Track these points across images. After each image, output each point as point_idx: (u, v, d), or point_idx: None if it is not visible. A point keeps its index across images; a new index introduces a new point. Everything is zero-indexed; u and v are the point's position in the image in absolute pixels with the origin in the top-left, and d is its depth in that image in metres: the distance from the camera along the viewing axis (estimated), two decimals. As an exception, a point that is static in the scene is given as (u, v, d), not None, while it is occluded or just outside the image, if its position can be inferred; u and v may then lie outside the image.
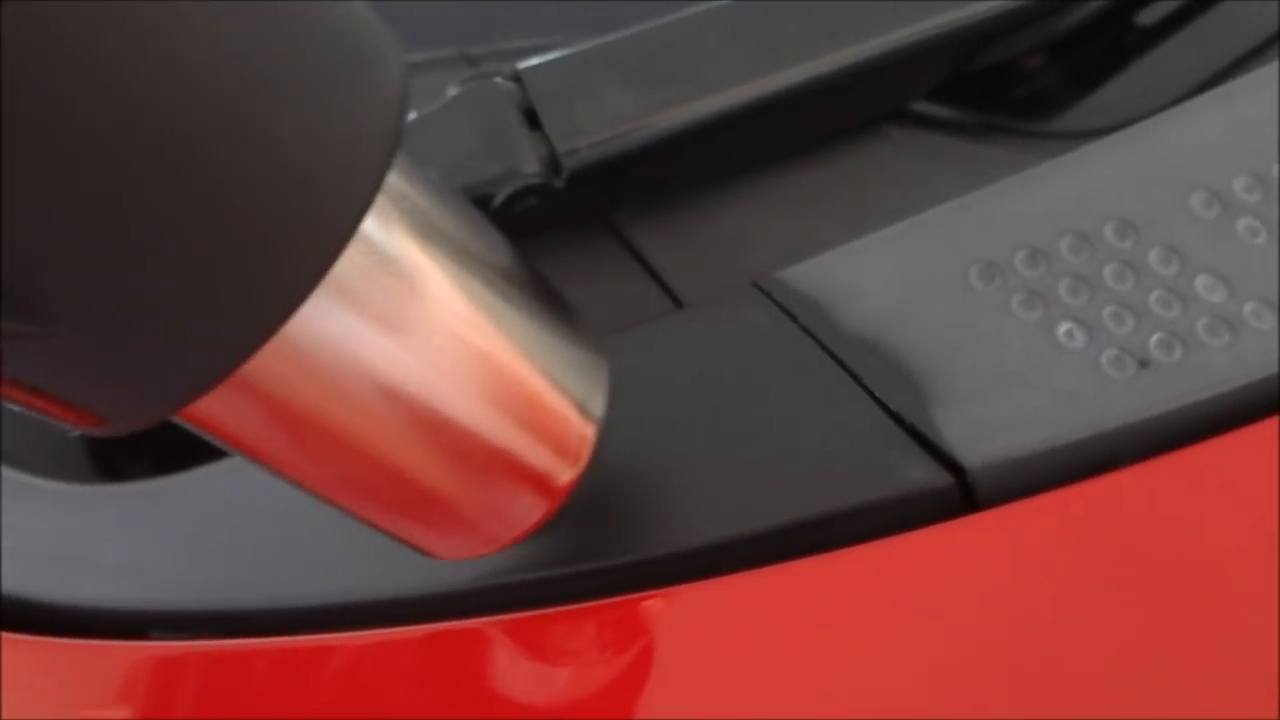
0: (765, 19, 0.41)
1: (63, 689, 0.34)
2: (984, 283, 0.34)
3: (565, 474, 0.26)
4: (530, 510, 0.26)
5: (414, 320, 0.21)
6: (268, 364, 0.19)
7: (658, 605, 0.31)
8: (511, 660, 0.30)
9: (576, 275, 0.43)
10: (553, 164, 0.38)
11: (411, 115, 0.40)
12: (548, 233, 0.42)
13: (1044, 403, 0.31)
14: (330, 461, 0.22)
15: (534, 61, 0.40)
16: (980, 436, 0.31)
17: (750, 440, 0.32)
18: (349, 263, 0.19)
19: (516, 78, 0.39)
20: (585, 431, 0.26)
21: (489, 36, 0.51)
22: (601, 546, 0.31)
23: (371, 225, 0.20)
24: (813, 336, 0.33)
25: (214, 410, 0.20)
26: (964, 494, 0.31)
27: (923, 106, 0.48)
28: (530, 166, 0.38)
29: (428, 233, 0.21)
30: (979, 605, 0.29)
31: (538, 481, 0.26)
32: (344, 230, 0.18)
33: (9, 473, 0.37)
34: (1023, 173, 0.35)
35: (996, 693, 0.29)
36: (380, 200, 0.19)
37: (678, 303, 0.43)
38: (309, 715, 0.31)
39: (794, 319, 0.34)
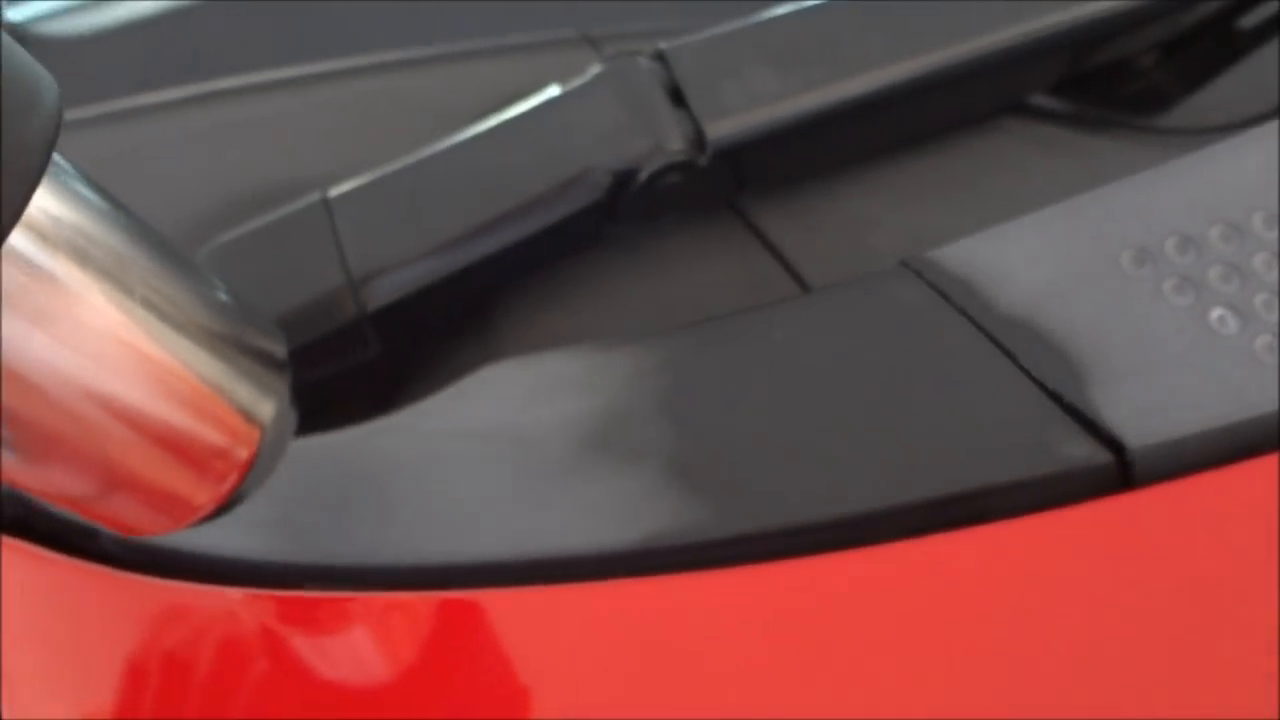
0: (899, 9, 0.42)
1: (206, 633, 0.35)
2: (1136, 268, 0.34)
3: (235, 456, 0.30)
4: (209, 487, 0.30)
5: (69, 324, 0.25)
6: None
7: (816, 570, 0.31)
8: (680, 618, 0.31)
9: (702, 256, 0.44)
10: (697, 141, 0.39)
11: (554, 90, 0.41)
12: (675, 214, 0.43)
13: (1200, 386, 0.32)
14: (17, 450, 0.26)
15: (676, 41, 0.40)
16: (1139, 416, 0.31)
17: (906, 414, 0.33)
18: (5, 277, 0.23)
19: (659, 56, 0.40)
20: (247, 427, 0.30)
21: (609, 19, 0.52)
22: (765, 511, 0.32)
23: (21, 244, 0.23)
24: (966, 315, 0.34)
25: None
26: (1122, 472, 0.31)
27: (1040, 100, 0.49)
28: (675, 144, 0.39)
29: (80, 253, 0.25)
30: (1139, 581, 0.30)
31: (201, 469, 0.29)
32: None
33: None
34: (1172, 162, 0.36)
35: (1149, 665, 0.29)
36: (26, 228, 0.23)
37: (802, 284, 0.43)
38: (469, 669, 0.31)
39: (946, 298, 0.34)
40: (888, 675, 0.30)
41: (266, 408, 0.31)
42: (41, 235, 0.24)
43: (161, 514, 0.30)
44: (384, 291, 0.39)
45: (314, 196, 0.41)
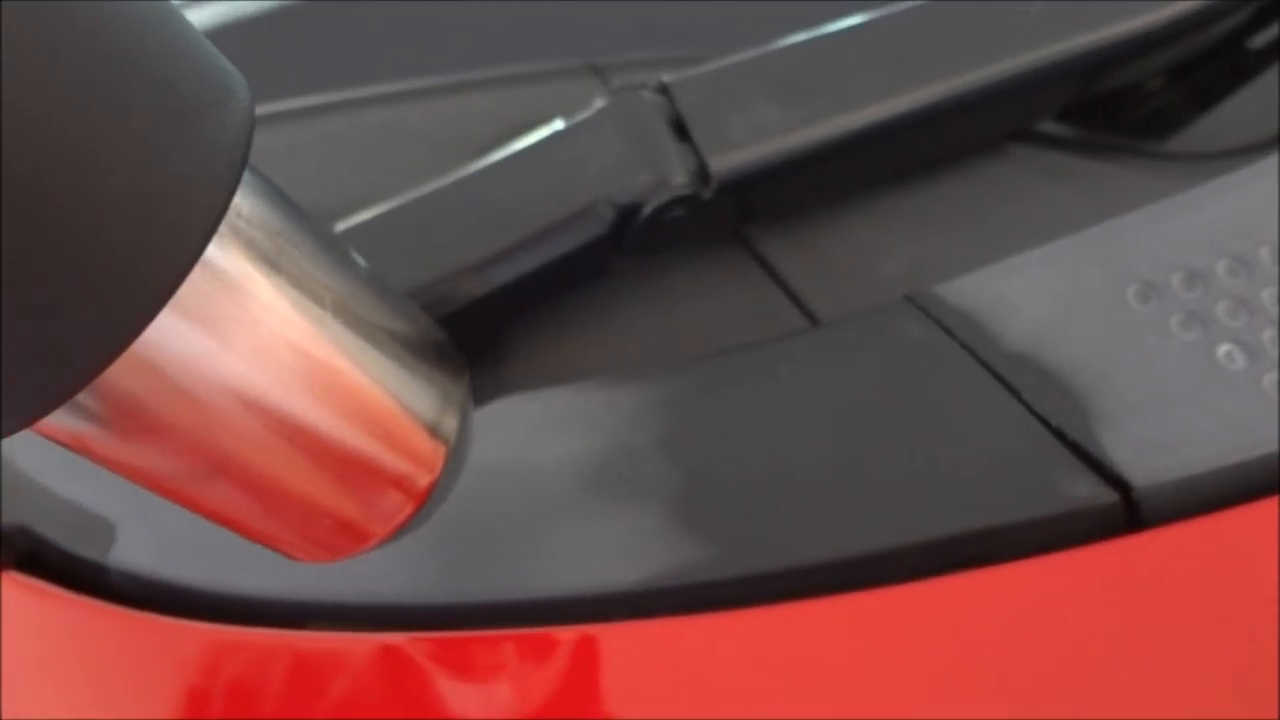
0: (904, 39, 0.42)
1: (219, 675, 0.35)
2: (1142, 303, 0.34)
3: (417, 482, 0.27)
4: (385, 515, 0.27)
5: (255, 338, 0.22)
6: (122, 380, 0.20)
7: (819, 613, 0.31)
8: (683, 662, 0.31)
9: (708, 288, 0.44)
10: (701, 175, 0.39)
11: (558, 124, 0.41)
12: (680, 245, 0.43)
13: (1207, 423, 0.32)
14: (187, 469, 0.23)
15: (680, 74, 0.40)
16: (1145, 455, 0.31)
17: (907, 452, 0.33)
18: (193, 287, 0.20)
19: (663, 89, 0.40)
20: (433, 446, 0.27)
21: (615, 48, 0.52)
22: (765, 553, 0.31)
23: (215, 253, 0.21)
24: (970, 351, 0.34)
25: (72, 423, 0.22)
26: (1128, 512, 0.31)
27: (1047, 126, 0.49)
28: (679, 177, 0.39)
29: (272, 260, 0.23)
30: (1146, 625, 0.30)
31: (388, 488, 0.27)
32: (183, 263, 0.19)
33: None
34: (1178, 195, 0.36)
35: (1156, 710, 0.29)
36: (225, 230, 0.21)
37: (809, 315, 0.43)
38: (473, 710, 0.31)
39: (950, 333, 0.34)
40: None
41: (451, 421, 0.28)
42: (237, 240, 0.22)
43: (325, 547, 0.27)
44: (389, 326, 0.39)
45: (319, 231, 0.41)
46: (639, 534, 0.33)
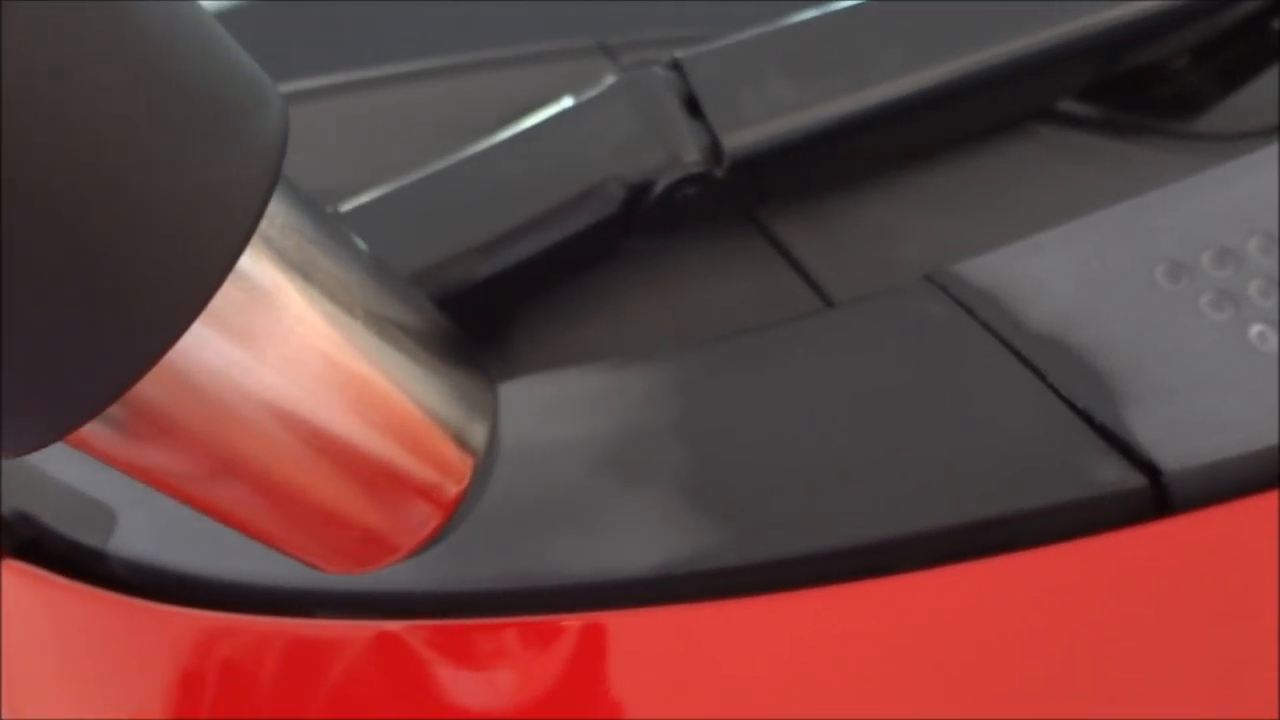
0: (923, 14, 0.41)
1: (220, 663, 0.34)
2: (1171, 282, 0.33)
3: (446, 492, 0.27)
4: (413, 526, 0.27)
5: (287, 349, 0.22)
6: (153, 391, 0.20)
7: (837, 600, 0.30)
8: (697, 649, 0.30)
9: (721, 269, 0.43)
10: (714, 152, 0.38)
11: (568, 101, 0.40)
12: (692, 227, 0.42)
13: (1239, 406, 0.31)
14: (217, 480, 0.23)
15: (693, 50, 0.39)
16: (1175, 438, 0.30)
17: (930, 435, 0.32)
18: (225, 298, 0.20)
19: (675, 65, 0.39)
20: (461, 457, 0.27)
21: (626, 27, 0.51)
22: (783, 538, 0.31)
23: (248, 263, 0.21)
24: (993, 331, 0.33)
25: (104, 435, 0.21)
26: (1157, 497, 0.30)
27: (1069, 105, 0.48)
28: (691, 155, 0.38)
29: (303, 269, 0.22)
30: (1175, 613, 0.29)
31: (416, 500, 0.26)
32: (217, 273, 0.19)
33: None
34: (1208, 172, 0.34)
35: (1185, 700, 0.28)
36: (258, 240, 0.21)
37: (824, 297, 0.42)
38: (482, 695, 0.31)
39: (971, 313, 0.33)
40: (910, 711, 0.29)
41: (479, 430, 0.28)
42: (271, 249, 0.22)
43: (352, 559, 0.27)
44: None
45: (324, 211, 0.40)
46: (652, 519, 0.32)
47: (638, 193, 0.37)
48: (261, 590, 0.34)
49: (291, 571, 0.34)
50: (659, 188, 0.37)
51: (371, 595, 0.34)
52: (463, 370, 0.28)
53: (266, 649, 0.34)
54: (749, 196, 0.42)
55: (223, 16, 0.56)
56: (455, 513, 0.28)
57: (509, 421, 0.35)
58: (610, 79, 0.39)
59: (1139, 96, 0.49)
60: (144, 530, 0.36)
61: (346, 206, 0.39)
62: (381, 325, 0.25)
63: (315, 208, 0.24)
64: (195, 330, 0.20)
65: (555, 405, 0.35)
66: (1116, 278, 0.33)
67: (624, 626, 0.31)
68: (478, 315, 0.42)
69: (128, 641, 0.35)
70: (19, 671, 0.36)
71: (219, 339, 0.21)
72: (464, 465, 0.27)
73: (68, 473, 0.38)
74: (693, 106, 0.38)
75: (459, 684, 0.31)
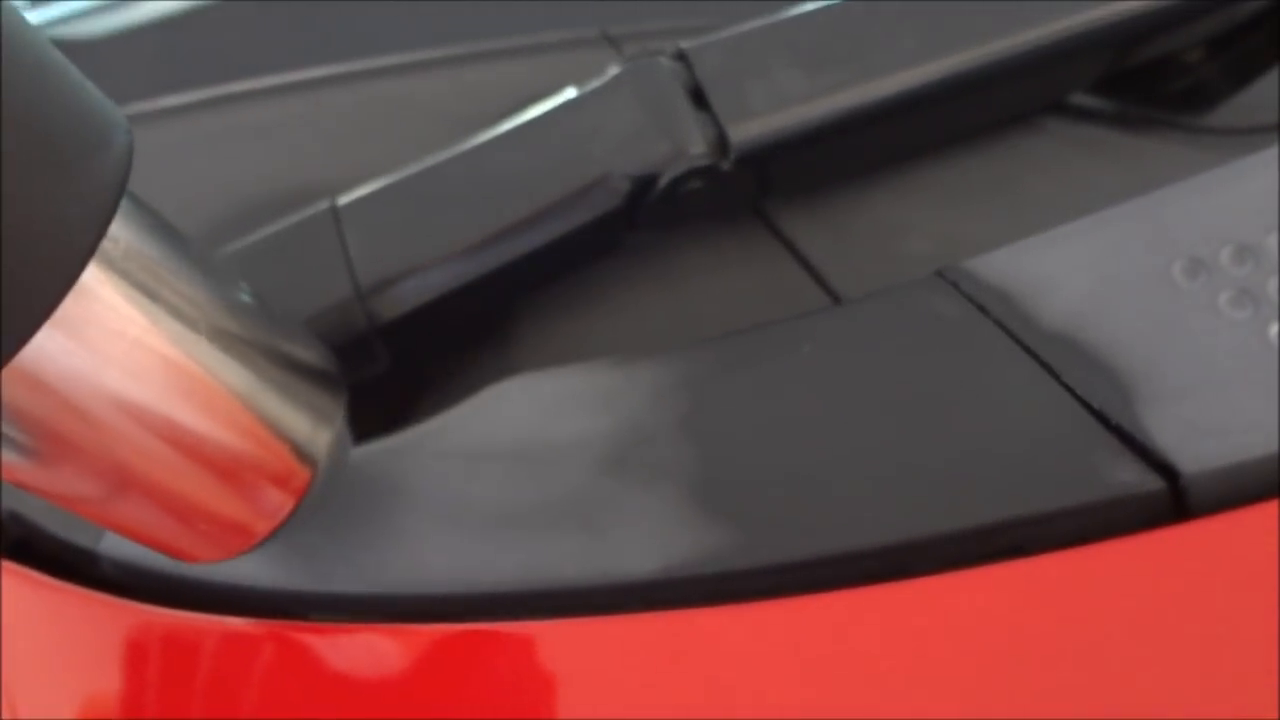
0: (930, 5, 0.40)
1: (210, 665, 0.33)
2: (1188, 279, 0.32)
3: (283, 496, 0.29)
4: (265, 514, 0.29)
5: (130, 359, 0.24)
6: (10, 393, 0.23)
7: (846, 605, 0.29)
8: (701, 655, 0.29)
9: (726, 265, 0.42)
10: (720, 145, 0.37)
11: (571, 92, 0.39)
12: (697, 220, 0.41)
13: (1259, 407, 0.30)
14: (70, 477, 0.26)
15: (699, 40, 0.38)
16: (1193, 440, 0.29)
17: (940, 436, 0.31)
18: (71, 311, 0.22)
19: (680, 56, 0.38)
20: (298, 462, 0.29)
21: (631, 17, 0.50)
22: (790, 542, 0.30)
23: (93, 282, 0.23)
24: (1005, 329, 0.32)
25: None
26: (1175, 500, 0.29)
27: (1080, 99, 0.47)
28: (697, 147, 0.37)
29: (149, 288, 0.25)
30: (1192, 620, 0.28)
31: (261, 494, 0.29)
32: (56, 291, 0.22)
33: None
34: (1226, 166, 0.34)
35: (1202, 709, 0.27)
36: (100, 261, 0.23)
37: (831, 293, 0.41)
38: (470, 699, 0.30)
39: (984, 311, 0.32)
40: (923, 717, 0.28)
41: (323, 439, 0.30)
42: (113, 270, 0.24)
43: (212, 545, 0.29)
44: (393, 303, 0.38)
45: (323, 204, 0.39)
46: (655, 521, 0.31)
47: (642, 186, 0.36)
48: (252, 593, 0.33)
49: (280, 574, 0.33)
50: (664, 181, 0.36)
51: (364, 598, 0.33)
52: (309, 381, 0.30)
53: (254, 651, 0.33)
54: (755, 190, 0.41)
55: (228, 5, 0.56)
56: (303, 504, 0.30)
57: (510, 419, 0.34)
58: (614, 69, 0.39)
59: (1151, 90, 0.48)
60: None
61: (347, 199, 0.39)
62: (225, 340, 0.27)
63: (167, 232, 0.27)
64: (47, 337, 0.22)
65: (557, 402, 0.34)
66: (1132, 275, 0.32)
67: (626, 631, 0.30)
68: (480, 309, 0.41)
69: (117, 642, 0.34)
70: (10, 672, 0.35)
71: (68, 346, 0.23)
72: (302, 472, 0.29)
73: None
74: (698, 98, 0.37)
75: (460, 688, 0.31)
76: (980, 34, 0.40)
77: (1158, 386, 0.30)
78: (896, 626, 0.29)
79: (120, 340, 0.24)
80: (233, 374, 0.27)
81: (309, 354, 0.31)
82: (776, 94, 0.37)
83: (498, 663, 0.31)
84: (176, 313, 0.25)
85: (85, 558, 0.36)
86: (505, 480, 0.33)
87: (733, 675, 0.28)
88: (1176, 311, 0.31)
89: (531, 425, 0.34)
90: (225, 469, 0.27)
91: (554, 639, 0.30)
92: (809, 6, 0.40)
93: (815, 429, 0.31)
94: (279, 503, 0.29)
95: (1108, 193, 0.35)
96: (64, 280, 0.22)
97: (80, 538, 0.36)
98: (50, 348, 0.23)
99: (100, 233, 0.22)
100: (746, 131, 0.36)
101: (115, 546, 0.35)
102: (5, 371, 0.22)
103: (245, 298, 0.29)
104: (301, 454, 0.29)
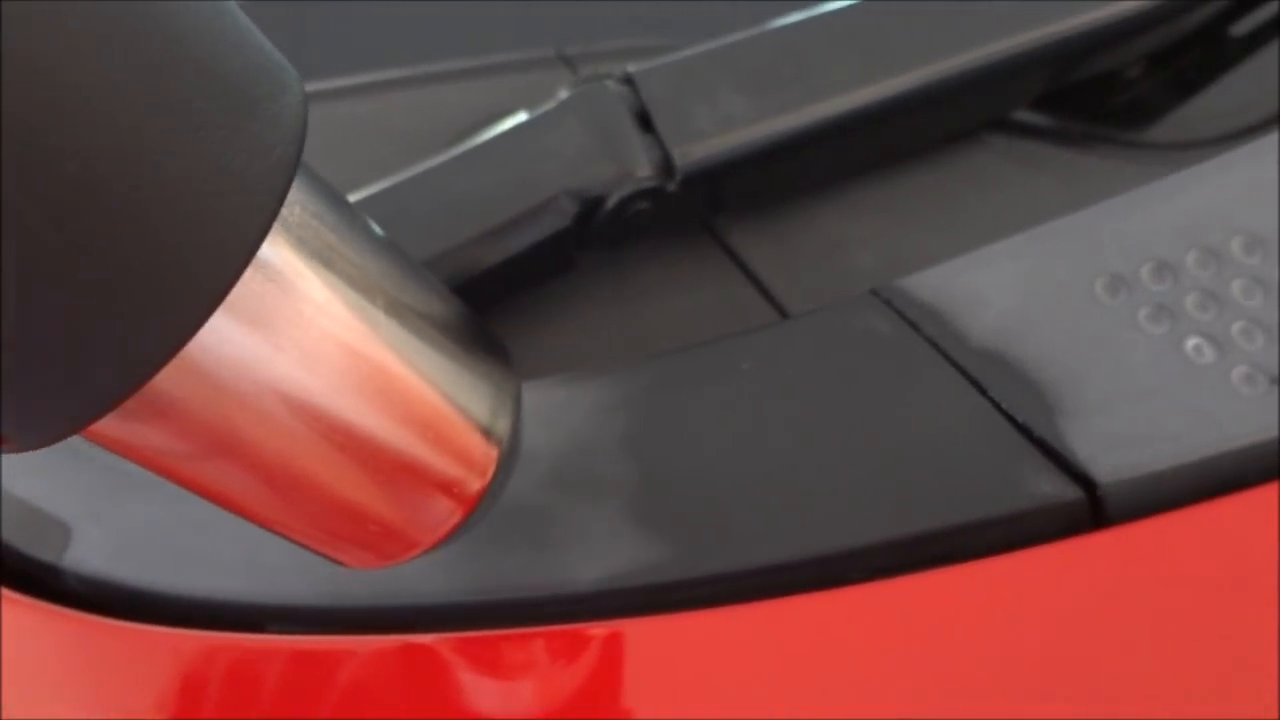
0: (873, 27, 0.41)
1: (178, 679, 0.34)
2: (1110, 295, 0.33)
3: (470, 486, 0.26)
4: (435, 521, 0.26)
5: (308, 339, 0.21)
6: (171, 383, 0.20)
7: (781, 614, 0.30)
8: (640, 663, 0.30)
9: (677, 281, 0.43)
10: (666, 167, 0.38)
11: (521, 116, 0.40)
12: (648, 238, 0.42)
13: (1174, 418, 0.31)
14: (236, 474, 0.23)
15: (645, 65, 0.39)
16: (1111, 451, 0.31)
17: (870, 449, 0.32)
18: (245, 288, 0.19)
19: (628, 80, 0.39)
20: (487, 449, 0.26)
21: (584, 37, 0.51)
22: (726, 553, 0.31)
23: (269, 250, 0.20)
24: (935, 345, 0.33)
25: (120, 428, 0.21)
26: (1093, 509, 0.30)
27: (1023, 115, 0.48)
28: (643, 169, 0.38)
29: (324, 256, 0.22)
30: (1111, 624, 0.29)
31: (440, 494, 0.26)
32: (239, 260, 0.19)
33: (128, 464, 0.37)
34: (1149, 185, 0.35)
35: (1120, 711, 0.28)
36: (278, 226, 0.20)
37: (779, 309, 0.42)
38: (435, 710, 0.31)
39: (915, 327, 0.34)
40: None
41: (504, 422, 0.27)
42: (291, 236, 0.21)
43: (374, 551, 0.26)
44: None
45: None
46: (598, 534, 0.32)
47: (589, 207, 0.38)
48: (216, 605, 0.34)
49: (245, 586, 0.34)
50: (611, 202, 0.38)
51: (328, 610, 0.34)
52: (487, 359, 0.27)
53: (222, 665, 0.34)
54: (704, 209, 0.42)
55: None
56: (477, 508, 0.27)
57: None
58: (564, 93, 0.40)
59: (1092, 106, 0.50)
60: (99, 545, 0.36)
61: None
62: (404, 314, 0.24)
63: (334, 194, 0.23)
64: (215, 320, 0.19)
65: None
66: (1057, 291, 0.34)
67: (574, 640, 0.31)
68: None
69: (83, 658, 0.35)
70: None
71: (239, 329, 0.20)
72: (488, 458, 0.26)
73: (22, 487, 0.38)
74: (645, 121, 0.38)
75: (418, 699, 0.31)
76: (921, 55, 0.41)
77: (1079, 400, 0.32)
78: (831, 634, 0.30)
79: (298, 321, 0.21)
80: (414, 351, 0.24)
81: (480, 327, 0.28)
82: (721, 116, 0.38)
83: (437, 675, 0.32)
84: (354, 284, 0.22)
85: (49, 572, 0.36)
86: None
87: (668, 681, 0.29)
88: (1098, 327, 0.33)
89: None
90: (410, 458, 0.24)
91: (495, 650, 0.31)
92: (753, 31, 0.41)
93: (751, 444, 0.33)
94: (466, 492, 0.26)
95: (1048, 207, 0.36)
96: (247, 246, 0.19)
97: (43, 553, 0.36)
98: (221, 329, 0.20)
99: (285, 188, 0.19)
100: (691, 154, 0.38)
101: (79, 561, 0.36)
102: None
103: (414, 267, 0.26)
104: (487, 436, 0.26)
